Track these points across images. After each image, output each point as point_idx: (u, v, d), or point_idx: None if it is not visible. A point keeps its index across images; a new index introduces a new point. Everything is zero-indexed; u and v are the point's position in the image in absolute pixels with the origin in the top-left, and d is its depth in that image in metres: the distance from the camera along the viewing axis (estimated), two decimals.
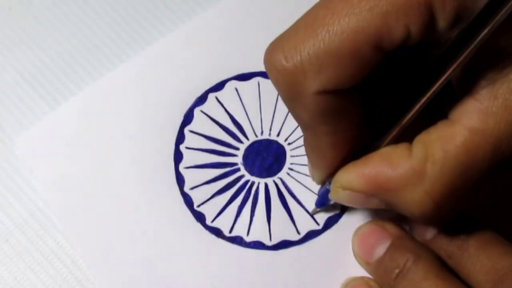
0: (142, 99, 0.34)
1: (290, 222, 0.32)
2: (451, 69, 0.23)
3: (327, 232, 0.32)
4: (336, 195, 0.28)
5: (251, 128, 0.34)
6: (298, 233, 0.32)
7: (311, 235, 0.32)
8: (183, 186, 0.32)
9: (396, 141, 0.27)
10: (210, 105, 0.34)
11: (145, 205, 0.32)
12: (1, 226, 0.32)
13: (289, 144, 0.34)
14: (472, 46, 0.22)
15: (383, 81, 0.27)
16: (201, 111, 0.34)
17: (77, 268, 0.31)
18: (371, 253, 0.29)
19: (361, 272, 0.30)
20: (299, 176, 0.33)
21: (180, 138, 0.33)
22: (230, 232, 0.32)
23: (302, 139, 0.30)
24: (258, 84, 0.35)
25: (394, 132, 0.26)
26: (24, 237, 0.31)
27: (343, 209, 0.32)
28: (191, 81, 0.35)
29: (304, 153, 0.32)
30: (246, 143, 0.34)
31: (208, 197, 0.32)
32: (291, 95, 0.25)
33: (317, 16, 0.24)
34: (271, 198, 0.32)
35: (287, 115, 0.34)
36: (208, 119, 0.34)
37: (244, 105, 0.34)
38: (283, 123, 0.34)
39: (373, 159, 0.26)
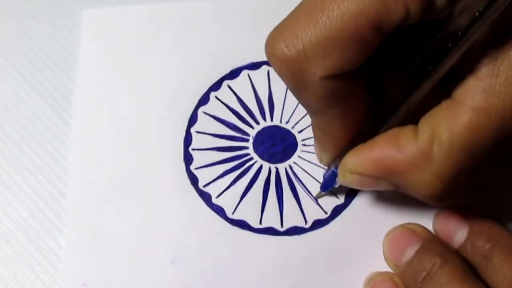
0: (186, 50, 0.35)
1: (278, 211, 0.32)
2: (458, 53, 0.23)
3: (314, 231, 0.31)
4: (344, 179, 0.28)
5: (280, 113, 0.34)
6: (282, 225, 0.31)
7: (294, 230, 0.31)
8: (188, 146, 0.33)
9: (402, 121, 0.26)
10: (241, 81, 0.35)
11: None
12: (1, 226, 0.32)
13: (304, 145, 0.33)
14: (480, 29, 0.22)
15: (387, 61, 0.27)
16: (227, 86, 0.34)
17: None
18: (400, 256, 0.29)
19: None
20: (300, 171, 0.32)
21: (204, 100, 0.34)
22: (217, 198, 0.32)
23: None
24: None
25: (400, 114, 0.26)
26: (24, 237, 0.31)
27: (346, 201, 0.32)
28: (229, 53, 0.35)
29: (310, 154, 0.32)
30: (267, 123, 0.33)
31: (209, 163, 0.32)
32: (297, 83, 0.25)
33: (315, 1, 0.24)
34: (270, 181, 0.32)
35: None
36: (235, 93, 0.34)
37: (271, 90, 0.34)
38: None
39: (379, 142, 0.26)
